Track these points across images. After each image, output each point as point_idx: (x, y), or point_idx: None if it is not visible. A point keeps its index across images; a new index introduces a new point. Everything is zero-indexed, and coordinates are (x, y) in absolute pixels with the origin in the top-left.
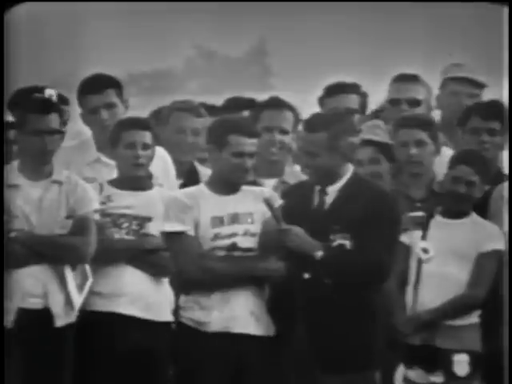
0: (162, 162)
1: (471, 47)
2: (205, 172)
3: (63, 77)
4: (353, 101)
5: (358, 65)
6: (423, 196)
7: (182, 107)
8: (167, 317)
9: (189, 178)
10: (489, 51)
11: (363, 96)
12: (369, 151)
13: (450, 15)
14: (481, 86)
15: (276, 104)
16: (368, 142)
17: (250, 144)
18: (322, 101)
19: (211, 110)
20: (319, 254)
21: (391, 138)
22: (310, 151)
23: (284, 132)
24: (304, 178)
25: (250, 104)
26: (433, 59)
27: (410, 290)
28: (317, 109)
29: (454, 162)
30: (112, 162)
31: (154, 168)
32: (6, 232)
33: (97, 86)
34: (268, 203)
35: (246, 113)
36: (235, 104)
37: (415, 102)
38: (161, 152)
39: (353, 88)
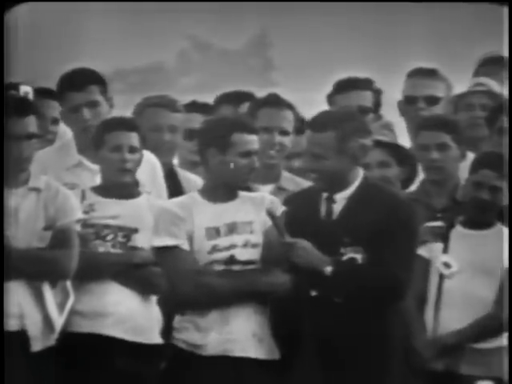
0: (149, 167)
1: (472, 47)
2: (184, 175)
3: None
4: (366, 98)
5: (367, 60)
6: (445, 205)
7: (156, 102)
8: (158, 339)
9: (168, 181)
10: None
11: (377, 93)
12: (377, 153)
13: (452, 15)
14: None
15: (274, 102)
16: (376, 144)
17: (254, 141)
18: (331, 98)
19: (203, 108)
20: (328, 269)
21: (411, 141)
22: (316, 153)
23: (284, 133)
24: (304, 183)
25: (246, 98)
26: (434, 60)
27: (430, 309)
28: (324, 107)
29: (476, 165)
30: (95, 167)
31: (141, 173)
32: (6, 235)
33: (78, 81)
34: (270, 213)
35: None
36: (230, 99)
37: (433, 100)
38: (148, 155)
39: (366, 84)
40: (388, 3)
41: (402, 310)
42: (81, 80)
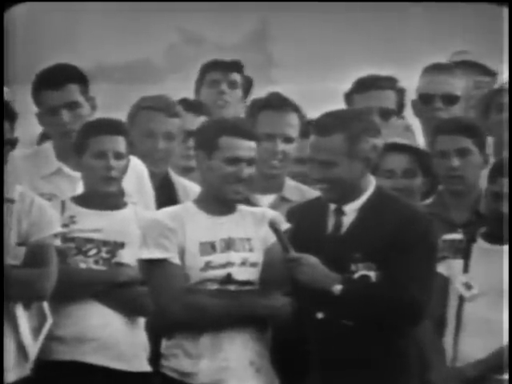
0: (135, 174)
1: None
2: (180, 182)
3: None
4: (388, 98)
5: (385, 55)
6: (466, 219)
7: (151, 105)
8: (145, 367)
9: (161, 190)
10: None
11: (400, 92)
12: (403, 160)
13: (451, 14)
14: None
15: (277, 103)
16: (401, 149)
17: (246, 148)
18: (349, 97)
19: (194, 107)
20: (337, 288)
21: (428, 147)
22: (323, 160)
23: (288, 140)
24: (311, 192)
25: (236, 67)
26: (433, 58)
27: (449, 335)
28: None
29: (493, 174)
30: (76, 174)
31: (126, 182)
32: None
33: (56, 79)
34: (274, 227)
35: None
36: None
37: (452, 99)
38: (134, 162)
39: (388, 82)
40: (388, 2)
41: (419, 335)
42: (59, 78)
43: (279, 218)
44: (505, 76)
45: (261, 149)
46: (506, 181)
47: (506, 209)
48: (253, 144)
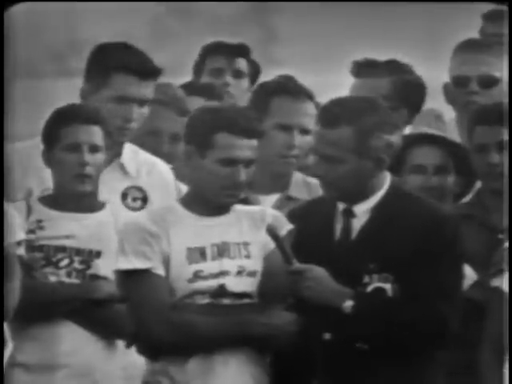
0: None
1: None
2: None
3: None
4: (383, 87)
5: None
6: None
7: (159, 99)
8: None
9: None
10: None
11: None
12: (435, 154)
13: (450, 13)
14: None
15: (292, 90)
16: (432, 141)
17: (246, 147)
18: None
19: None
20: (348, 304)
21: (463, 139)
22: (326, 154)
23: (306, 132)
24: (318, 191)
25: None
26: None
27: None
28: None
29: None
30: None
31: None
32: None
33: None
34: (273, 233)
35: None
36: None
37: (490, 81)
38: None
39: (387, 68)
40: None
41: (476, 362)
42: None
43: (281, 219)
44: (505, 76)
45: (274, 142)
46: None
47: (506, 208)
48: (254, 142)
